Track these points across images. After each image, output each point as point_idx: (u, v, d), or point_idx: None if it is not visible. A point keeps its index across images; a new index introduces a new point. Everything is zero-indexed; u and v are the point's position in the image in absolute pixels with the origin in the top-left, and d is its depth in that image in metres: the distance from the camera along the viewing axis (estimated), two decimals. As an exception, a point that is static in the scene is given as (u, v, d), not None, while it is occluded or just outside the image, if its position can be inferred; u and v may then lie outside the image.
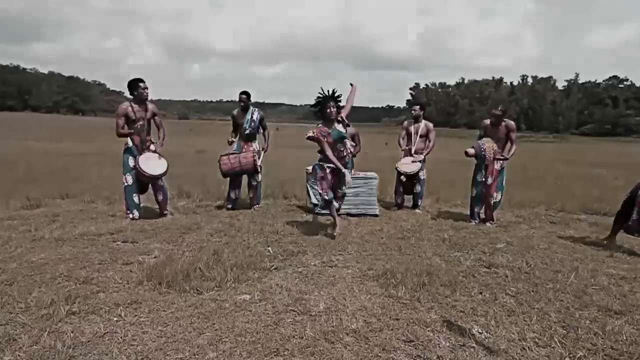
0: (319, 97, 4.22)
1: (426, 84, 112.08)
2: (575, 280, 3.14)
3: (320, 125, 4.26)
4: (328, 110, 4.15)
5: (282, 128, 56.89)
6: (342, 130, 4.24)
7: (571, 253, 3.97)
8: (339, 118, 4.23)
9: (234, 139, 5.64)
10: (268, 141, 5.84)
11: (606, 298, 2.84)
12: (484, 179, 5.14)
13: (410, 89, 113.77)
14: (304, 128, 62.08)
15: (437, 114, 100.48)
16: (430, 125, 6.00)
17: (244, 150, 5.54)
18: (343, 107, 4.30)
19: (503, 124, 5.04)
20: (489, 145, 4.84)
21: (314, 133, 4.30)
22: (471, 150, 4.94)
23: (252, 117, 5.56)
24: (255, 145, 5.69)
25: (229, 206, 5.63)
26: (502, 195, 5.18)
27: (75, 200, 6.09)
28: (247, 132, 5.56)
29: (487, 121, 5.18)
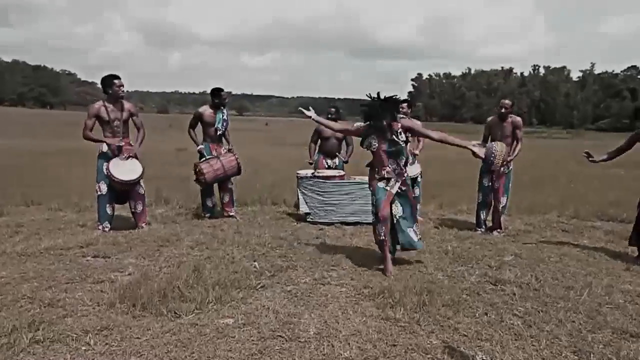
0: (370, 104, 3.69)
1: (429, 75, 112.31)
2: (588, 298, 3.17)
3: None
4: (384, 127, 3.67)
5: (272, 123, 56.88)
6: (400, 143, 3.73)
7: (584, 266, 4.01)
8: (397, 128, 3.71)
9: (202, 145, 5.55)
10: (229, 140, 5.77)
11: (621, 318, 2.87)
12: (490, 184, 5.18)
13: (413, 80, 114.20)
14: (296, 123, 62.05)
15: (441, 107, 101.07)
16: (419, 123, 6.03)
17: (214, 153, 5.50)
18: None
19: (509, 119, 5.09)
20: (500, 150, 4.86)
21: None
22: (480, 150, 4.97)
23: (222, 116, 5.53)
24: (225, 147, 5.68)
25: (207, 215, 5.61)
26: (507, 200, 5.22)
27: (42, 207, 6.05)
28: (218, 133, 5.54)
29: (492, 119, 5.25)
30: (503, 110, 5.06)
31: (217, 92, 5.49)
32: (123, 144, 4.66)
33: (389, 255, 3.75)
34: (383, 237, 3.74)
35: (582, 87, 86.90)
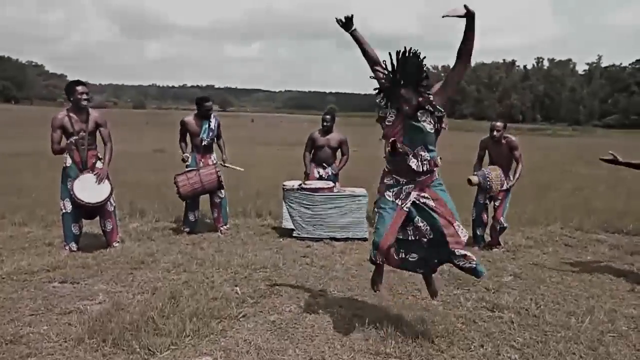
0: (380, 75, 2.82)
1: (427, 67, 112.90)
2: (590, 326, 3.22)
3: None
4: (402, 96, 2.72)
5: (258, 119, 56.71)
6: (422, 124, 2.75)
7: (587, 288, 4.08)
8: (425, 103, 2.76)
9: (187, 154, 5.56)
10: (225, 151, 5.84)
11: (624, 349, 2.93)
12: (486, 202, 5.27)
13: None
14: (285, 119, 61.89)
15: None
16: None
17: (201, 164, 5.51)
18: (429, 84, 2.80)
19: (504, 141, 5.15)
20: (495, 174, 4.97)
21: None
22: (475, 179, 5.05)
23: (209, 125, 5.53)
24: (214, 157, 5.68)
25: (187, 230, 5.61)
26: (505, 219, 5.28)
27: (4, 222, 5.96)
28: (204, 143, 5.54)
29: (486, 139, 5.30)
30: (495, 133, 5.11)
31: (200, 101, 5.52)
32: (93, 159, 4.54)
33: (381, 276, 3.11)
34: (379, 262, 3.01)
35: (589, 81, 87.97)
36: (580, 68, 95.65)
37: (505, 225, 5.24)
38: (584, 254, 5.27)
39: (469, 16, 2.55)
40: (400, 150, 2.79)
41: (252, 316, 3.28)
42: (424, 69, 2.75)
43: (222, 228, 5.65)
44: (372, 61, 3.02)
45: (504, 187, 5.05)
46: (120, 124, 29.85)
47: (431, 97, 2.75)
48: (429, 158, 2.81)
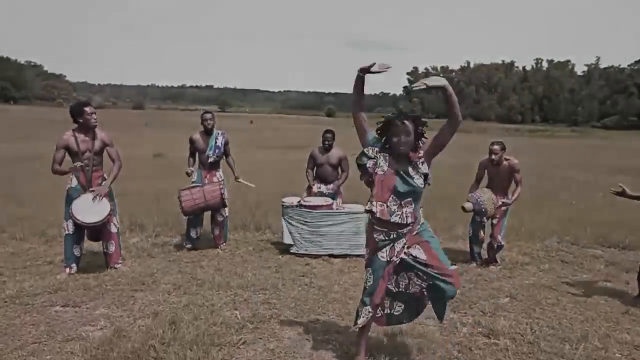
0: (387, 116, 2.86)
1: (426, 68, 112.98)
2: (583, 353, 3.27)
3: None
4: (395, 138, 2.78)
5: (257, 121, 56.68)
6: (415, 181, 2.80)
7: (582, 310, 4.12)
8: (416, 158, 2.82)
9: (192, 169, 5.64)
10: (235, 168, 5.91)
11: (616, 379, 2.98)
12: (483, 220, 5.29)
13: (408, 73, 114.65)
14: (284, 121, 61.75)
15: (438, 103, 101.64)
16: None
17: (206, 181, 5.57)
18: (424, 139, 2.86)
19: (506, 163, 5.16)
20: (488, 197, 5.02)
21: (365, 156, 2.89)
22: (469, 205, 5.08)
23: (216, 142, 5.60)
24: (220, 174, 5.74)
25: (189, 246, 5.66)
26: (503, 238, 5.32)
27: (4, 236, 5.99)
28: (210, 160, 5.60)
29: (486, 160, 5.29)
30: (493, 156, 5.12)
31: (204, 115, 5.67)
32: (99, 179, 4.57)
33: (363, 344, 3.07)
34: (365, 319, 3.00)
35: (587, 83, 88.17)
36: (579, 69, 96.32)
37: (502, 244, 5.29)
38: (580, 271, 5.32)
39: (439, 88, 2.74)
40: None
41: (251, 343, 3.33)
42: (423, 125, 2.87)
43: (220, 245, 5.72)
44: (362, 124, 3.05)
45: (499, 205, 5.08)
46: (120, 125, 29.85)
47: (422, 153, 2.84)
48: (412, 211, 2.84)
